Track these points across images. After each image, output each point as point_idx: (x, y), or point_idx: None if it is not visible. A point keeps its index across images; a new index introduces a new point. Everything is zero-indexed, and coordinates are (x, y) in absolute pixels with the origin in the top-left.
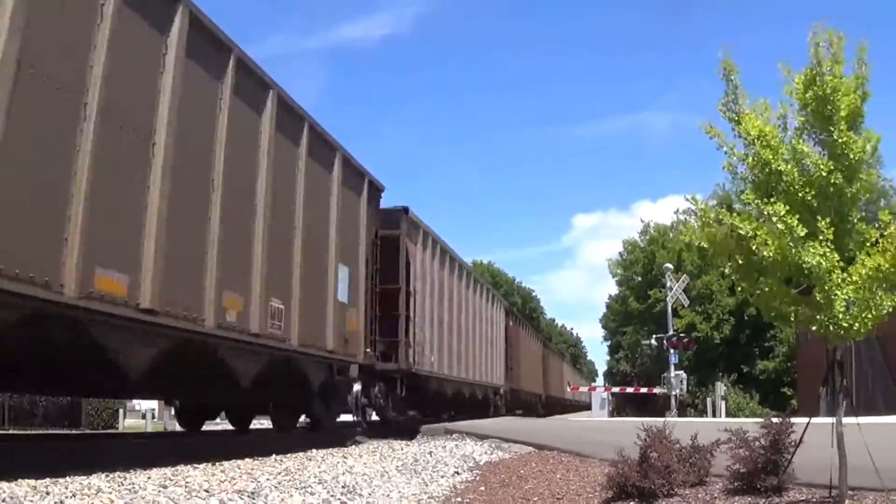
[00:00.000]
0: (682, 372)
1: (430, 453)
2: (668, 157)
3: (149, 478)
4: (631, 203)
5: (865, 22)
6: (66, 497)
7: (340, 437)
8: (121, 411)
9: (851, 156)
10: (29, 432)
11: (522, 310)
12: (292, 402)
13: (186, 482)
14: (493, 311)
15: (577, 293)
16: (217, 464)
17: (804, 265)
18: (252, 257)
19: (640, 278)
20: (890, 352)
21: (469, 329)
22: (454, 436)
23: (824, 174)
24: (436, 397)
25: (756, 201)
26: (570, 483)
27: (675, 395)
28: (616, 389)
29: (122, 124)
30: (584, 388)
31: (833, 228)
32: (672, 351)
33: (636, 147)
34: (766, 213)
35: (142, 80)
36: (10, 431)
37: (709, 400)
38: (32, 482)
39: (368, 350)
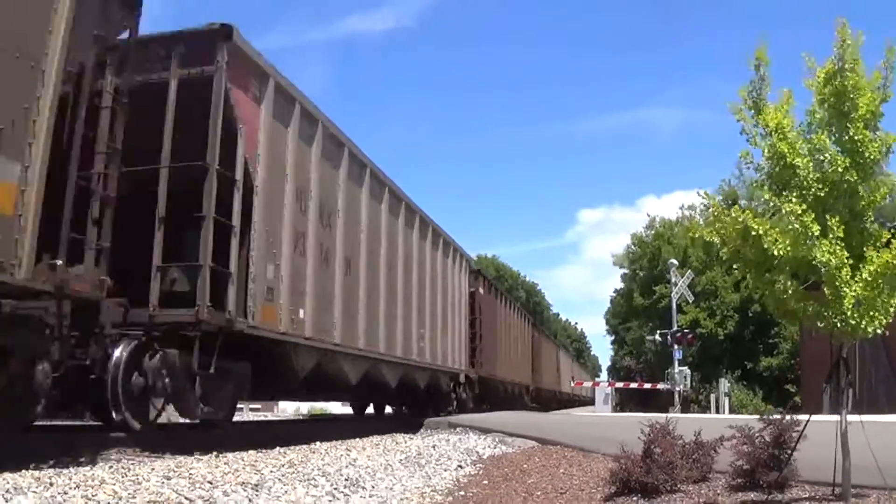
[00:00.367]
0: (685, 368)
1: (434, 447)
2: (674, 153)
3: (152, 469)
4: (636, 198)
5: (865, 22)
6: (70, 488)
7: None
8: None
9: (867, 154)
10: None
11: (527, 304)
12: None
13: (190, 474)
14: (448, 266)
15: (581, 288)
16: (220, 455)
17: (814, 261)
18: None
19: (644, 273)
20: (894, 351)
21: (398, 281)
22: (457, 429)
23: (840, 170)
24: (317, 380)
25: (773, 198)
26: (573, 478)
27: (679, 392)
28: (620, 385)
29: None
30: (587, 384)
31: (843, 226)
32: (676, 347)
33: (641, 142)
34: (783, 210)
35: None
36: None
37: (712, 396)
38: (36, 473)
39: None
